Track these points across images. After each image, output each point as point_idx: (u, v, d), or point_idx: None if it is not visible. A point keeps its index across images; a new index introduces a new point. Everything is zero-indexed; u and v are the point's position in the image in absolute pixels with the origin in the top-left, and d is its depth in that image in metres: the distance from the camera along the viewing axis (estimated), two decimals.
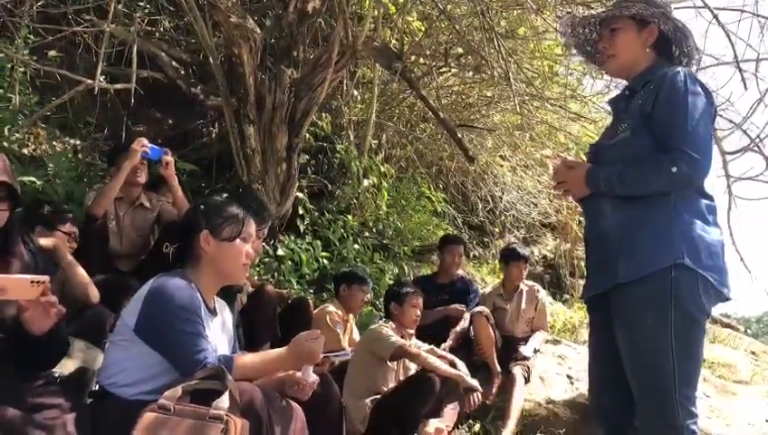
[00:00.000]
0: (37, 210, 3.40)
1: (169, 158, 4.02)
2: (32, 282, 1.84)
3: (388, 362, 3.81)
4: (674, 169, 2.13)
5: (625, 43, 2.40)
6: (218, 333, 2.33)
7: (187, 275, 2.22)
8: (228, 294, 2.63)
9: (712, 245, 2.19)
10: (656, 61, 2.39)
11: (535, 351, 4.82)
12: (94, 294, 3.25)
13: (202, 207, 2.33)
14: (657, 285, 2.14)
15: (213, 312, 2.32)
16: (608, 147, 2.38)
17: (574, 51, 2.72)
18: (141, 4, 5.77)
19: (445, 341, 4.65)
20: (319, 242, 5.71)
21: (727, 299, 2.23)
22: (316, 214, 6.04)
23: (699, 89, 2.23)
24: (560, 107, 7.45)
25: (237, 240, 2.29)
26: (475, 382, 3.84)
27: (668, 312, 2.13)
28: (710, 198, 2.27)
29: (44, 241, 3.14)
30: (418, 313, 4.08)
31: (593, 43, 2.60)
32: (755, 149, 4.00)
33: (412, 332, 4.10)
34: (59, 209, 3.55)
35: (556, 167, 2.52)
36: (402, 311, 4.02)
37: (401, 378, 3.88)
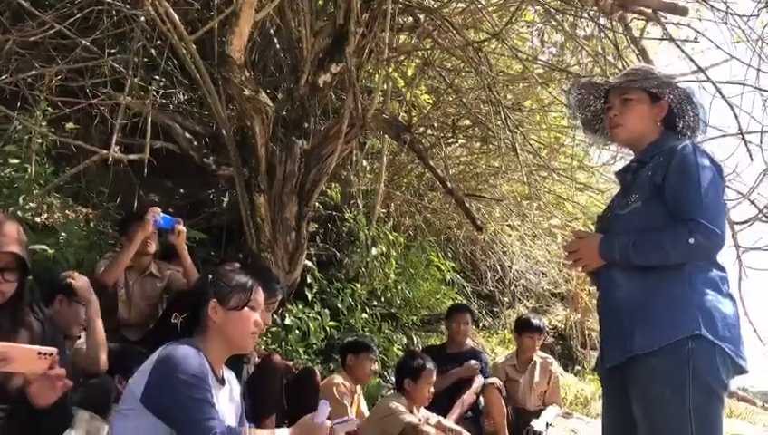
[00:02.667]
0: (52, 280, 3.42)
1: (181, 227, 4.07)
2: (39, 353, 1.83)
3: None
4: (691, 241, 2.12)
5: (637, 115, 2.42)
6: (226, 403, 2.30)
7: (196, 344, 2.20)
8: (236, 364, 2.61)
9: (728, 316, 2.16)
10: (663, 133, 2.42)
11: (548, 425, 4.71)
12: (104, 360, 3.21)
13: (210, 276, 2.34)
14: (674, 356, 2.10)
15: (221, 381, 2.29)
16: (619, 217, 2.38)
17: (578, 122, 2.74)
18: (157, 77, 5.94)
19: (450, 404, 4.57)
20: (327, 311, 5.68)
21: (745, 371, 2.18)
22: (324, 282, 6.03)
23: (708, 161, 2.25)
24: (567, 177, 7.52)
25: (245, 309, 2.29)
26: None
27: (686, 384, 2.08)
28: (722, 268, 2.25)
29: (77, 282, 3.13)
30: (432, 390, 4.01)
31: (599, 113, 2.62)
32: (763, 219, 4.01)
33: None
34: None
35: (568, 239, 2.53)
36: (416, 388, 3.96)
37: None
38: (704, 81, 4.05)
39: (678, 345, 2.10)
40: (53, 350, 1.86)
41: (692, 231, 2.13)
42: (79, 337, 3.40)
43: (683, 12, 3.89)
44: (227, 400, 2.32)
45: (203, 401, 2.07)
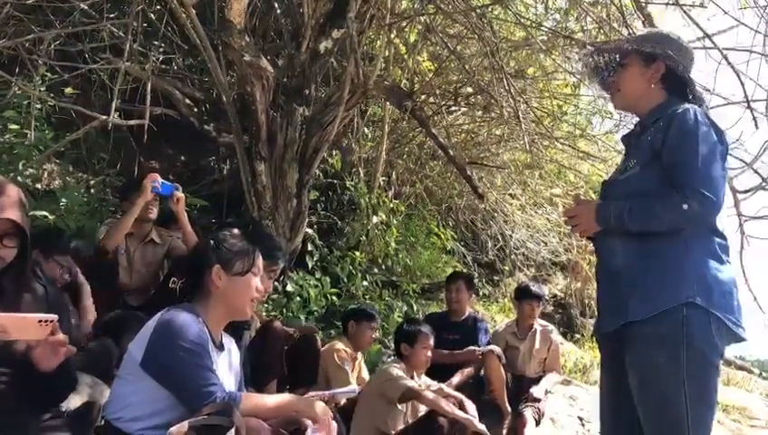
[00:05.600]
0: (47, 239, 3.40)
1: (180, 194, 4.05)
2: (39, 321, 1.82)
3: (398, 405, 3.77)
4: (685, 207, 2.11)
5: (630, 78, 2.41)
6: (225, 369, 2.31)
7: (195, 310, 2.21)
8: (236, 330, 2.62)
9: (725, 284, 2.15)
10: (667, 99, 2.38)
11: (546, 392, 4.75)
12: None
13: (212, 241, 2.33)
14: (669, 323, 2.10)
15: (220, 347, 2.30)
16: (617, 182, 2.37)
17: (593, 83, 2.71)
18: (156, 43, 5.88)
19: (452, 376, 4.60)
20: (328, 278, 5.70)
21: (742, 339, 2.18)
22: (325, 250, 6.05)
23: (710, 127, 2.22)
24: (569, 146, 7.48)
25: (248, 274, 2.29)
26: (483, 427, 3.77)
27: (680, 351, 2.08)
28: (723, 236, 2.23)
29: None
30: (429, 354, 4.03)
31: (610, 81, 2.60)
32: (766, 188, 3.99)
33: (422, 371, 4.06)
34: (60, 239, 3.55)
35: (569, 207, 2.50)
36: (413, 352, 3.97)
37: (410, 420, 3.82)
38: (710, 47, 3.99)
39: (673, 312, 2.09)
40: (54, 317, 1.85)
41: (687, 197, 2.11)
42: None
43: None
44: (227, 366, 2.33)
45: (202, 367, 2.08)
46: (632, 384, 2.20)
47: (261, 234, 3.29)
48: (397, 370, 3.80)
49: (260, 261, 2.36)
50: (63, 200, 4.60)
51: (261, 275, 2.43)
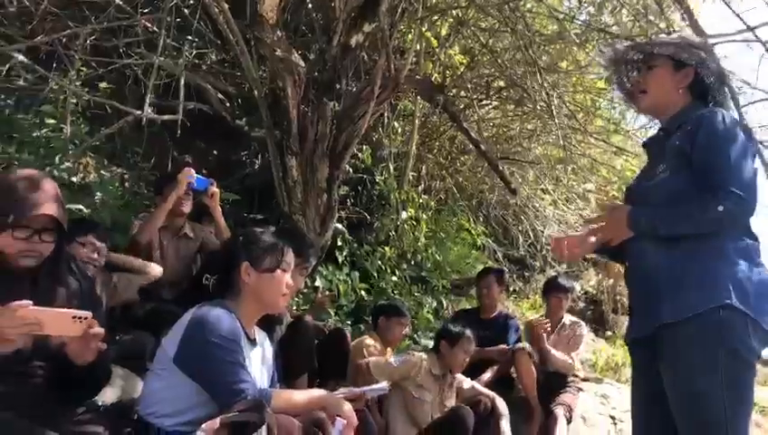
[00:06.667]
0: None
1: (215, 189, 4.09)
2: (73, 317, 1.84)
3: (425, 397, 3.79)
4: (720, 208, 2.08)
5: (659, 81, 2.39)
6: (258, 365, 2.32)
7: (228, 306, 2.22)
8: (268, 325, 2.63)
9: (759, 285, 2.12)
10: (691, 103, 2.36)
11: (579, 389, 4.70)
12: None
13: (241, 238, 2.34)
14: (705, 325, 2.07)
15: (253, 342, 2.31)
16: (648, 187, 2.34)
17: (615, 86, 2.68)
18: (190, 38, 5.92)
19: (482, 372, 4.58)
20: (357, 273, 5.70)
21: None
22: (355, 245, 6.04)
23: (737, 127, 2.20)
24: (603, 141, 7.37)
25: (278, 270, 2.29)
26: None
27: (718, 352, 2.05)
28: (755, 237, 2.21)
29: None
30: (467, 360, 4.03)
31: (634, 81, 2.56)
32: None
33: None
34: (84, 221, 3.56)
35: (601, 204, 2.51)
36: (452, 353, 3.98)
37: (437, 414, 3.84)
38: (752, 40, 3.89)
39: (710, 314, 2.07)
40: (88, 314, 1.87)
41: (721, 199, 2.08)
42: None
43: None
44: (259, 361, 2.34)
45: (235, 364, 2.09)
46: (667, 386, 2.16)
47: (292, 231, 3.29)
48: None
49: (290, 257, 2.36)
50: (98, 194, 4.66)
51: (292, 272, 2.43)
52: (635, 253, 2.34)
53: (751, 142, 2.22)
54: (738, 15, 3.94)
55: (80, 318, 1.86)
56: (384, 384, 2.60)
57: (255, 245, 2.30)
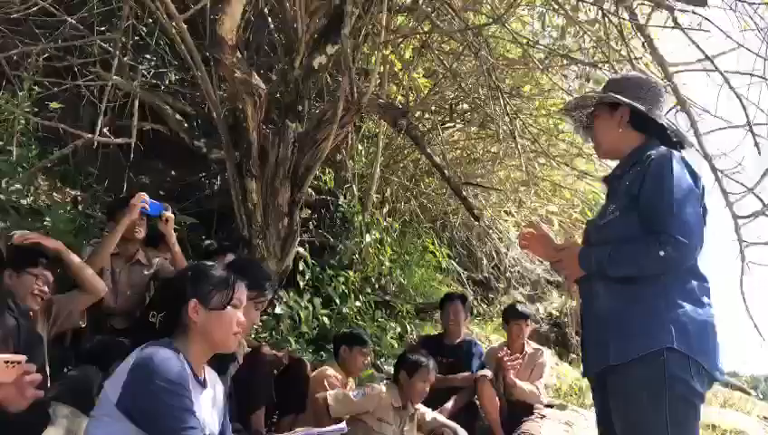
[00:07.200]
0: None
1: (169, 214, 3.96)
2: (6, 362, 1.71)
3: (386, 431, 3.69)
4: (662, 253, 2.13)
5: (601, 128, 2.47)
6: (208, 408, 2.19)
7: (175, 346, 2.09)
8: (222, 363, 2.51)
9: (703, 328, 2.17)
10: (644, 141, 2.39)
11: (542, 417, 4.66)
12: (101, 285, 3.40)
13: (189, 273, 2.22)
14: (649, 368, 2.14)
15: (203, 384, 2.18)
16: (599, 227, 2.41)
17: (586, 137, 2.74)
18: (148, 57, 5.79)
19: (446, 400, 4.51)
20: (319, 299, 5.58)
21: (720, 381, 2.25)
22: (317, 270, 5.91)
23: (685, 171, 2.23)
24: (565, 164, 7.41)
25: (228, 308, 2.17)
26: None
27: (661, 394, 2.11)
28: (703, 278, 2.25)
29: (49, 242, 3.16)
30: (427, 389, 3.94)
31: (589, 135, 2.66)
32: None
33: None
34: (35, 250, 3.35)
35: (565, 227, 2.55)
36: (410, 383, 3.89)
37: None
38: (711, 70, 3.92)
39: (653, 358, 2.13)
40: (22, 358, 1.74)
41: (663, 243, 2.14)
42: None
43: (703, 2, 3.78)
44: (210, 403, 2.21)
45: (182, 409, 1.96)
46: (615, 421, 2.24)
47: (248, 263, 3.16)
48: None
49: (242, 293, 2.23)
50: (47, 218, 4.48)
51: (247, 306, 2.32)
52: (586, 293, 2.42)
53: (697, 185, 2.25)
54: (697, 45, 3.98)
55: (13, 363, 1.72)
56: (342, 425, 2.49)
57: (204, 280, 2.16)
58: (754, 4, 3.92)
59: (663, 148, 2.31)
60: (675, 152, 2.28)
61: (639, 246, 2.19)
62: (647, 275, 2.20)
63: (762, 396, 9.75)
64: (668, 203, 2.16)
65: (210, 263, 2.27)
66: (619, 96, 2.38)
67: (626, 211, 2.27)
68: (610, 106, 2.42)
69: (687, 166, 2.26)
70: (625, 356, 2.17)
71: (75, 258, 3.37)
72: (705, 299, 2.23)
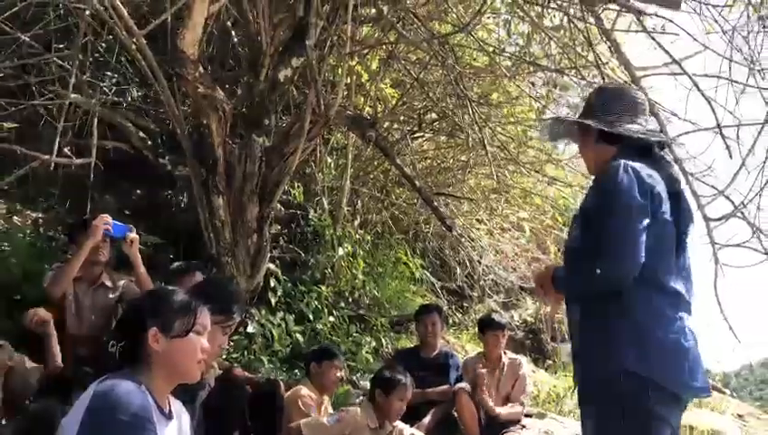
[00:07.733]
0: None
1: (134, 235, 3.84)
2: None
3: None
4: (597, 271, 2.11)
5: (581, 147, 2.51)
6: None
7: (137, 377, 1.97)
8: (190, 391, 2.40)
9: (665, 346, 2.11)
10: (615, 152, 2.31)
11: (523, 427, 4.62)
12: None
13: (148, 299, 2.11)
14: (609, 390, 2.12)
15: (168, 416, 2.07)
16: (566, 247, 2.43)
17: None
18: (109, 74, 5.65)
19: (424, 414, 4.44)
20: (291, 316, 5.48)
21: (686, 397, 2.18)
22: (289, 286, 5.80)
23: (634, 182, 2.13)
24: (535, 171, 7.42)
25: (191, 334, 2.06)
26: None
27: (620, 415, 2.08)
28: (669, 291, 2.16)
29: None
30: (404, 407, 3.85)
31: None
32: (739, 215, 3.92)
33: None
34: None
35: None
36: (387, 401, 3.79)
37: None
38: (678, 73, 3.94)
39: (612, 381, 2.10)
40: None
41: (599, 261, 2.11)
42: None
43: (676, 5, 3.79)
44: None
45: None
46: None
47: (214, 285, 3.05)
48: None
49: (205, 318, 2.12)
50: (6, 243, 4.32)
51: (213, 331, 2.22)
52: (567, 311, 2.41)
53: (653, 194, 2.15)
54: (664, 48, 3.99)
55: None
56: None
57: (164, 307, 2.04)
58: (718, 6, 3.95)
59: (619, 160, 2.20)
60: (627, 163, 2.17)
61: (586, 265, 2.16)
62: (612, 293, 2.13)
63: (734, 393, 9.85)
64: (606, 219, 2.13)
65: (171, 288, 2.16)
66: (579, 118, 2.39)
67: (583, 229, 2.26)
68: (581, 127, 2.43)
69: (638, 177, 2.14)
70: (588, 377, 2.22)
71: None
72: (673, 314, 2.14)
